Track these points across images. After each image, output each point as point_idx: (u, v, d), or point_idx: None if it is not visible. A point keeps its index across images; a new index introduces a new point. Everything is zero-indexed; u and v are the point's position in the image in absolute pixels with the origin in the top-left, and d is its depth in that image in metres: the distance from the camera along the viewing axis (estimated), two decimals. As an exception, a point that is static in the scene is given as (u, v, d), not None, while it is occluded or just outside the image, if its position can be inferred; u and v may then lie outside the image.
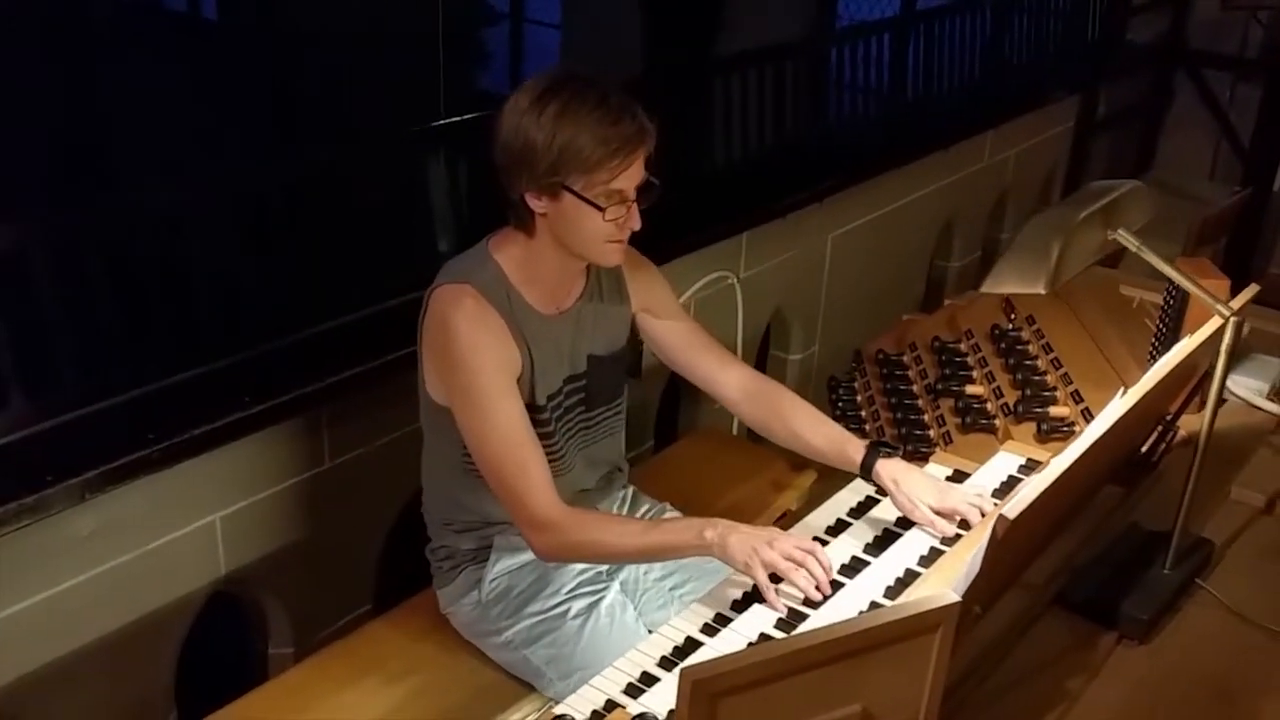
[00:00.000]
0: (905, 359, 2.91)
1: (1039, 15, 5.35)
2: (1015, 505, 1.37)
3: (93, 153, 2.77)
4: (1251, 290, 1.84)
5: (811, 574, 1.95)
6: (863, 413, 2.81)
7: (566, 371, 2.19)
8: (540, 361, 2.11)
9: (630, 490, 2.47)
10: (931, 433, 2.62)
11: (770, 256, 3.96)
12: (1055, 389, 2.61)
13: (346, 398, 2.73)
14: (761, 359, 4.33)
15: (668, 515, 2.42)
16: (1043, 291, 1.75)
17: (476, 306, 2.03)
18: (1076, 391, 2.54)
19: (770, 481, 2.92)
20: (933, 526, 2.09)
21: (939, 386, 2.72)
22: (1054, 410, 2.51)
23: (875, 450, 2.16)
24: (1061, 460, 1.47)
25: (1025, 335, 2.82)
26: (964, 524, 2.09)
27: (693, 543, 2.01)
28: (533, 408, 2.11)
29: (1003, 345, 2.81)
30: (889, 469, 2.14)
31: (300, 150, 3.16)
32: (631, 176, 1.98)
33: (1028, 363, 2.73)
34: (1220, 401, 2.46)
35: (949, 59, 4.87)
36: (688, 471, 3.03)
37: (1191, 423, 2.43)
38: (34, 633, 2.34)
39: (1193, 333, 1.80)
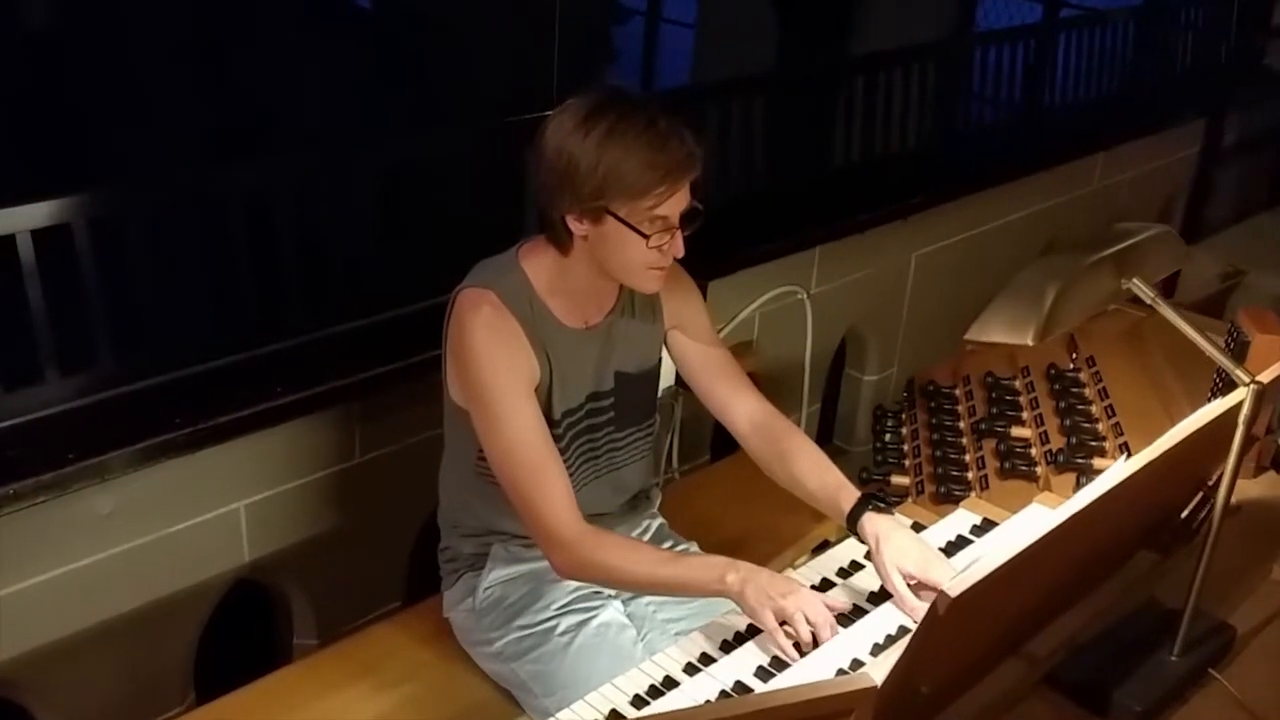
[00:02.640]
0: (957, 392, 2.77)
1: (1164, 32, 5.08)
2: (961, 582, 1.26)
3: (138, 129, 2.79)
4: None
5: (816, 635, 1.87)
6: (905, 446, 2.68)
7: (590, 388, 2.14)
8: (560, 375, 2.07)
9: (658, 522, 2.40)
10: (970, 475, 2.48)
11: (845, 273, 3.83)
12: (1104, 439, 2.45)
13: (380, 394, 2.72)
14: (835, 376, 4.20)
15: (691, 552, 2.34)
16: (1030, 343, 1.62)
17: (494, 313, 1.99)
18: (1125, 444, 2.39)
19: (811, 511, 2.80)
20: (902, 601, 1.95)
21: (982, 426, 2.58)
22: (1098, 463, 2.36)
23: (865, 503, 2.04)
24: (1028, 536, 1.35)
25: (1083, 377, 2.66)
26: None
27: (712, 584, 1.93)
28: (548, 421, 2.06)
29: (1057, 386, 2.66)
30: (874, 525, 2.01)
31: (377, 139, 3.14)
32: (677, 203, 1.92)
33: (1080, 408, 2.57)
34: (1261, 470, 2.30)
35: (1061, 74, 4.66)
36: (725, 493, 2.93)
37: (1246, 488, 2.27)
38: (48, 607, 2.38)
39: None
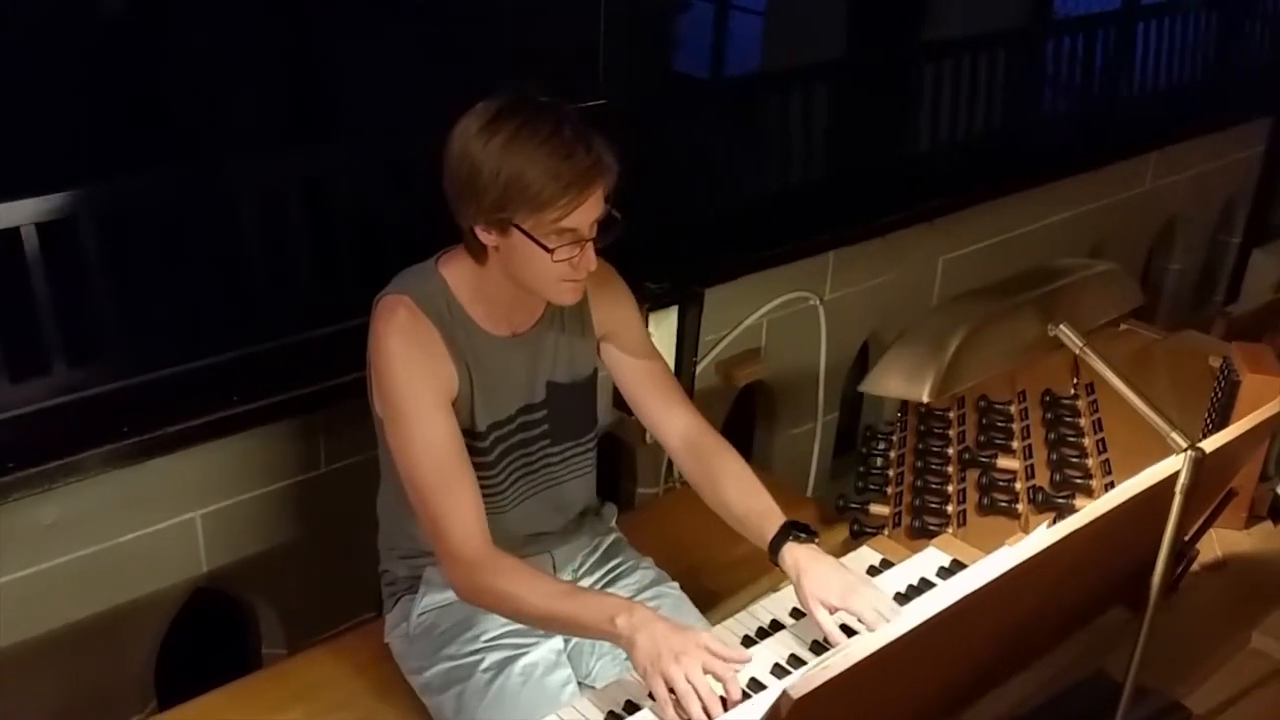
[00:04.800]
0: (950, 415, 2.58)
1: (1231, 24, 4.78)
2: (809, 680, 1.11)
3: (82, 133, 2.71)
4: (1250, 422, 1.48)
5: (726, 690, 1.74)
6: (890, 472, 2.51)
7: (522, 400, 2.04)
8: (484, 385, 1.97)
9: (611, 538, 2.29)
10: (949, 508, 2.31)
11: (863, 279, 3.66)
12: (1091, 477, 2.26)
13: (344, 403, 2.63)
14: (853, 387, 4.03)
15: (650, 589, 2.20)
16: (925, 400, 1.45)
17: (409, 318, 1.91)
18: (1112, 483, 2.20)
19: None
20: (827, 634, 1.83)
21: (965, 456, 2.40)
22: (1080, 502, 2.17)
23: (786, 532, 1.92)
24: (897, 625, 1.20)
25: (1080, 406, 2.46)
26: None
27: (601, 626, 1.82)
28: (471, 434, 1.97)
29: (1049, 415, 2.46)
30: (794, 557, 1.89)
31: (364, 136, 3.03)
32: (585, 214, 1.80)
33: (1071, 440, 2.37)
34: (1255, 520, 2.09)
35: (1108, 68, 4.40)
36: (699, 515, 2.79)
37: (1235, 540, 2.07)
38: (-12, 616, 2.34)
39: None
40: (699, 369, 3.20)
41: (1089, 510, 1.37)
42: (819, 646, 1.91)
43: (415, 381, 1.89)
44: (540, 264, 1.82)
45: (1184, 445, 1.36)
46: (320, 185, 2.69)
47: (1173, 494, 1.37)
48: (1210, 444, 1.39)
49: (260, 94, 2.97)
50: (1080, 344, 1.50)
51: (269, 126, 2.96)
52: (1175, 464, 1.38)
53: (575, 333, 2.07)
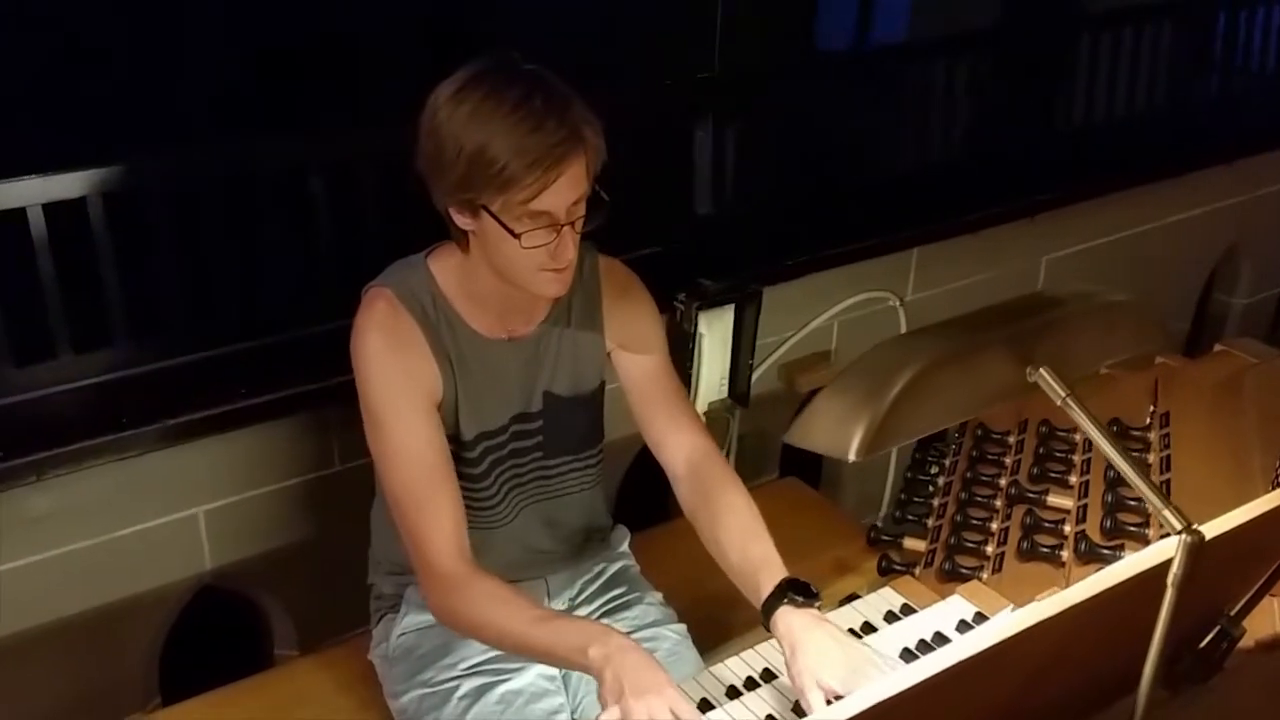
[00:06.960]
0: (1010, 440, 2.32)
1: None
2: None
3: (78, 118, 2.63)
4: (1266, 504, 1.20)
5: None
6: (934, 502, 2.26)
7: (516, 408, 1.87)
8: (471, 390, 1.81)
9: (618, 566, 2.11)
10: (989, 549, 2.05)
11: (952, 278, 3.37)
12: (1148, 526, 1.96)
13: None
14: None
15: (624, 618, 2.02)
16: (852, 458, 1.21)
17: (388, 312, 1.77)
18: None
19: (835, 558, 2.41)
20: None
21: (1012, 491, 2.13)
22: (1130, 554, 1.89)
23: (782, 594, 1.68)
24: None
25: (1151, 439, 2.16)
26: None
27: (575, 656, 1.63)
28: (457, 442, 1.82)
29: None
30: (788, 624, 1.65)
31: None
32: (558, 195, 1.61)
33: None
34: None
35: (1244, 49, 3.97)
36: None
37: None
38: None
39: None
40: (757, 373, 2.98)
41: (1060, 599, 1.13)
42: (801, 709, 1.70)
43: (394, 383, 1.75)
44: (511, 251, 1.64)
45: (1179, 527, 1.10)
46: (337, 171, 2.55)
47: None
48: (1211, 528, 1.12)
49: (282, 76, 2.85)
50: (1063, 394, 1.23)
51: (286, 108, 2.83)
52: (1164, 552, 1.12)
53: (583, 343, 1.89)
